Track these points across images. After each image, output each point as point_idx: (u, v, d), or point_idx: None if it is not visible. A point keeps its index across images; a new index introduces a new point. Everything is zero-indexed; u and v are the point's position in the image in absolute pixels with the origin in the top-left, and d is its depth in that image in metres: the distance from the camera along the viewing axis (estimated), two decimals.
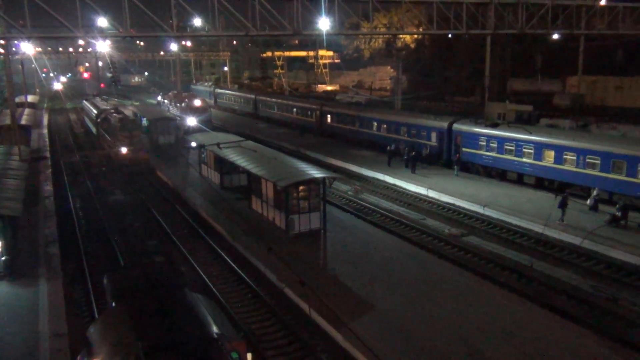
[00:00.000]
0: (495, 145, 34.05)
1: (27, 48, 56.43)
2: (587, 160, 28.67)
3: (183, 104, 63.23)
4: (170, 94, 76.46)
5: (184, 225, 28.90)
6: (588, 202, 27.34)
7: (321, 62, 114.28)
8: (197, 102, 63.02)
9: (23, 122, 52.80)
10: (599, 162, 28.14)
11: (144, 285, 13.45)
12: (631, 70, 61.61)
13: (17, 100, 66.12)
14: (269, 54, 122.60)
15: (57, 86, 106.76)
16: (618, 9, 51.05)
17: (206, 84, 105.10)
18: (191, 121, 43.60)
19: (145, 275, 14.21)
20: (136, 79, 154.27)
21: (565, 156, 29.84)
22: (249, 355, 11.19)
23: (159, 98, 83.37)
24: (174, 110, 66.32)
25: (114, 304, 12.97)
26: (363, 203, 31.56)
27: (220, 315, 12.36)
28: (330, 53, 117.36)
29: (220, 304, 18.24)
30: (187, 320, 11.24)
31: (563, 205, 25.54)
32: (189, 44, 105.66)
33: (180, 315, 11.47)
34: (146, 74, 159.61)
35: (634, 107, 58.02)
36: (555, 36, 53.68)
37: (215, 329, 10.88)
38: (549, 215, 25.34)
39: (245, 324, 17.88)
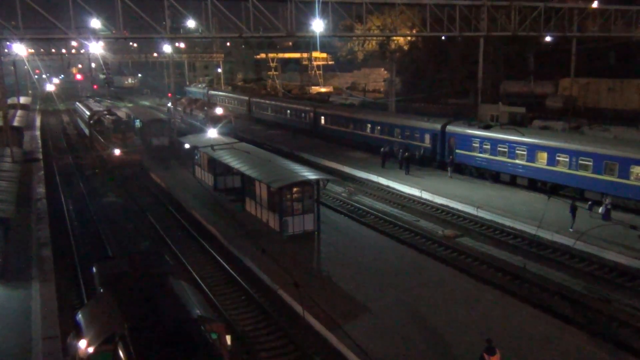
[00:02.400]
0: (488, 147, 34.16)
1: (20, 49, 56.03)
2: (580, 161, 28.79)
3: (201, 113, 57.37)
4: (183, 100, 71.73)
5: (177, 227, 28.81)
6: (600, 210, 26.20)
7: (315, 63, 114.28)
8: (219, 111, 55.70)
9: (15, 123, 52.56)
10: (591, 163, 28.27)
11: (130, 272, 14.03)
12: (623, 73, 61.89)
13: (9, 101, 65.80)
14: (263, 55, 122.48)
15: (50, 88, 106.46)
16: (610, 12, 51.38)
17: (200, 85, 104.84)
18: (212, 133, 37.39)
19: (131, 263, 14.68)
20: (129, 80, 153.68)
21: (558, 158, 29.96)
22: (229, 337, 11.74)
23: (169, 105, 72.00)
24: (190, 120, 60.57)
25: (101, 290, 13.59)
26: (357, 205, 31.58)
27: (201, 300, 13.09)
28: (324, 55, 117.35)
29: (213, 305, 18.22)
30: (169, 303, 12.07)
31: (573, 210, 24.87)
32: (182, 45, 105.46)
33: (163, 299, 12.29)
34: (139, 75, 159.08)
35: (626, 109, 58.32)
36: (548, 38, 53.95)
37: (196, 312, 11.67)
38: (542, 217, 25.41)
39: (239, 325, 17.85)
